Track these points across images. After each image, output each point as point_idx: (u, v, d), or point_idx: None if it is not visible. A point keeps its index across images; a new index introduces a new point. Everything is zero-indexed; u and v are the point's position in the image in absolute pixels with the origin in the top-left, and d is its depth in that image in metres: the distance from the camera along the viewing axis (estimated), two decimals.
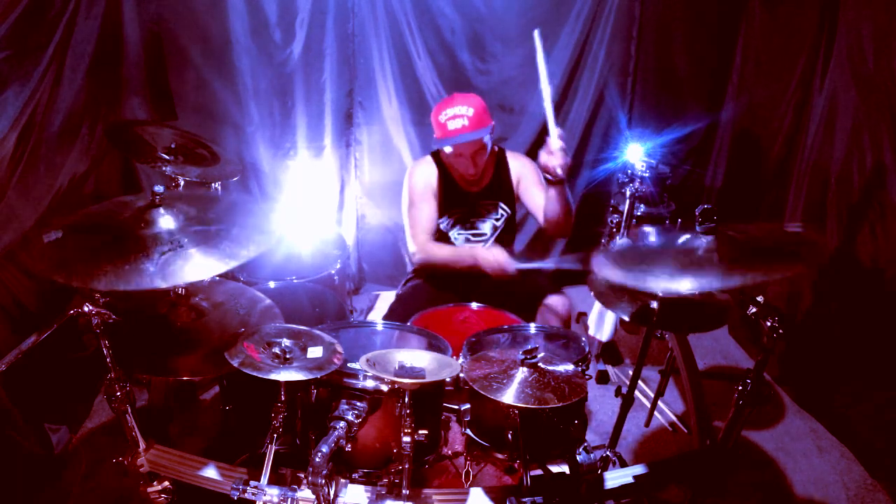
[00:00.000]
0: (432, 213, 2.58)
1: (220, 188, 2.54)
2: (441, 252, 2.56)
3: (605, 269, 1.45)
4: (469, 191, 2.59)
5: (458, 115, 2.34)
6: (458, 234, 2.63)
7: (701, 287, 1.26)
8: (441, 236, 2.64)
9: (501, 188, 2.60)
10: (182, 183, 2.35)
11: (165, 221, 1.46)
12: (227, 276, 2.35)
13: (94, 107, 2.85)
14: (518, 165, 2.63)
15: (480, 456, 1.74)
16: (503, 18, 3.43)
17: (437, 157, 2.60)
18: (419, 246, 2.57)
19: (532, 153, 3.67)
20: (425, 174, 2.59)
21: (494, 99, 3.59)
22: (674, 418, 2.86)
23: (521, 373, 1.51)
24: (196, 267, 1.35)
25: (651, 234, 2.72)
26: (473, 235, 2.62)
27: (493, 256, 2.39)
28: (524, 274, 2.43)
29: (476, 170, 2.46)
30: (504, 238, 2.64)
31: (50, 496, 2.32)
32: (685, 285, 1.28)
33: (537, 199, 2.55)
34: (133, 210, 1.49)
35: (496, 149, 2.62)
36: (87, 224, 1.50)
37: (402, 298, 2.62)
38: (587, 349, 1.87)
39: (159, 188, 1.49)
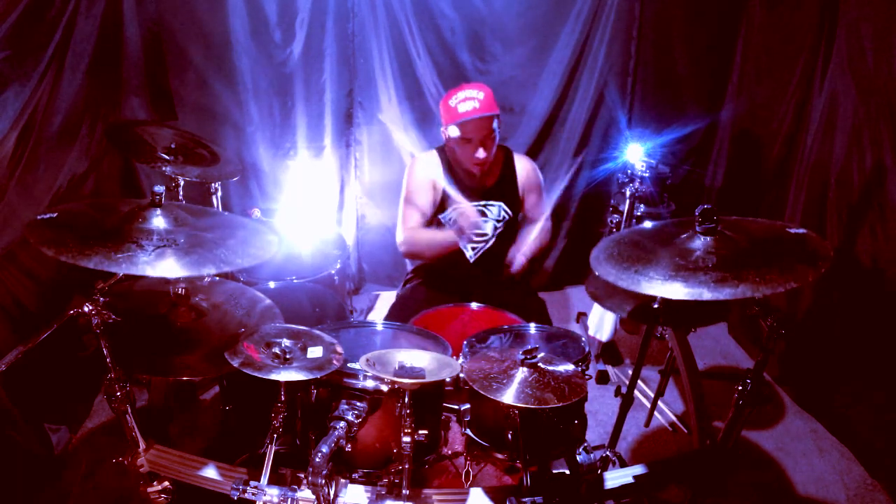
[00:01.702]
0: (427, 206, 2.55)
1: (219, 188, 2.54)
2: (425, 235, 2.52)
3: (601, 267, 1.44)
4: (473, 188, 2.58)
5: (469, 97, 2.36)
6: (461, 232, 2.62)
7: (694, 296, 1.26)
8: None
9: (507, 190, 2.59)
10: (182, 183, 2.35)
11: (162, 221, 1.46)
12: (227, 276, 2.36)
13: (94, 107, 2.85)
14: (524, 169, 2.62)
15: (480, 456, 1.74)
16: (503, 18, 3.44)
17: (443, 152, 2.59)
18: (406, 234, 2.54)
19: (532, 153, 3.70)
20: (428, 166, 2.57)
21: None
22: (674, 418, 2.86)
23: (521, 373, 1.51)
24: (188, 265, 1.35)
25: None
26: (475, 235, 2.61)
27: (467, 222, 2.33)
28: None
29: (485, 157, 2.42)
30: (505, 240, 2.63)
31: (50, 496, 2.32)
32: (679, 292, 1.28)
33: (530, 204, 2.68)
34: (133, 206, 1.49)
35: (503, 149, 2.62)
36: (87, 211, 1.50)
37: (402, 299, 2.62)
38: (587, 349, 1.87)
39: (159, 188, 1.49)
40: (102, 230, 1.40)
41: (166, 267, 1.33)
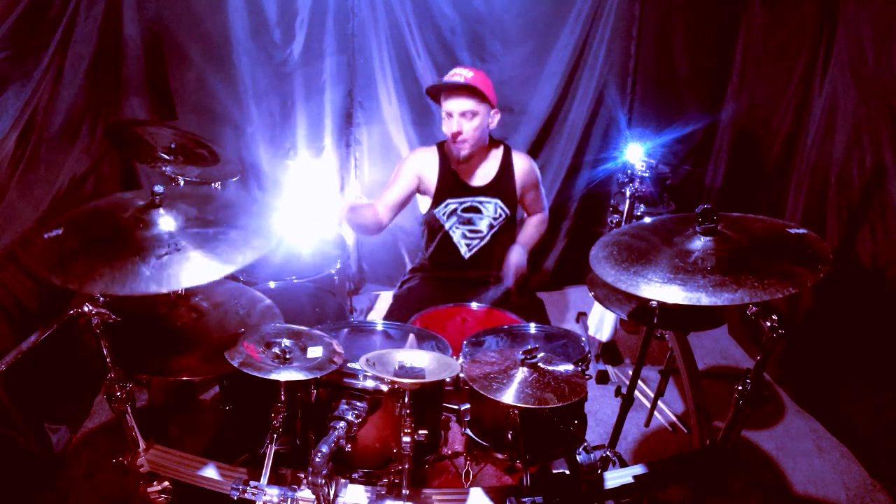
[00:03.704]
0: (401, 192, 2.60)
1: (219, 188, 2.53)
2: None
3: (600, 266, 1.44)
4: (469, 184, 2.58)
5: (458, 73, 2.41)
6: (456, 228, 2.62)
7: (693, 301, 1.26)
8: (437, 226, 2.63)
9: (504, 188, 2.59)
10: (182, 183, 2.35)
11: (165, 222, 1.46)
12: (227, 276, 2.35)
13: (94, 107, 2.85)
14: (522, 168, 2.62)
15: (480, 456, 1.74)
16: (503, 18, 3.43)
17: (442, 148, 2.60)
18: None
19: (532, 153, 3.70)
20: (421, 160, 2.60)
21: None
22: (674, 418, 2.86)
23: (521, 373, 1.51)
24: (193, 271, 1.36)
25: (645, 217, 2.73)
26: (470, 231, 2.61)
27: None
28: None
29: (457, 131, 2.41)
30: (502, 239, 2.63)
31: (50, 496, 2.32)
32: (677, 296, 1.28)
33: (530, 201, 2.72)
34: (133, 210, 1.49)
35: (503, 147, 2.62)
36: (87, 222, 1.50)
37: (399, 299, 2.62)
38: (587, 349, 1.87)
39: (159, 188, 1.49)
40: (107, 244, 1.40)
41: (171, 280, 1.33)
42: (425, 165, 2.59)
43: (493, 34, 3.47)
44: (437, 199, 2.59)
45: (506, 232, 2.64)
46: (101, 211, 1.55)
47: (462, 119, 2.41)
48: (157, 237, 1.42)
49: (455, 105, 2.40)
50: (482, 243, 2.62)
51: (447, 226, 2.61)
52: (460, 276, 2.63)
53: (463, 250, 2.62)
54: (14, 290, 2.41)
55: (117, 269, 1.32)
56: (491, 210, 2.59)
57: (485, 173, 2.58)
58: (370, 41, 3.39)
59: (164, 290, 1.32)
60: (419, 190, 2.64)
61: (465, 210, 2.60)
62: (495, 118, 2.49)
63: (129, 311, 1.54)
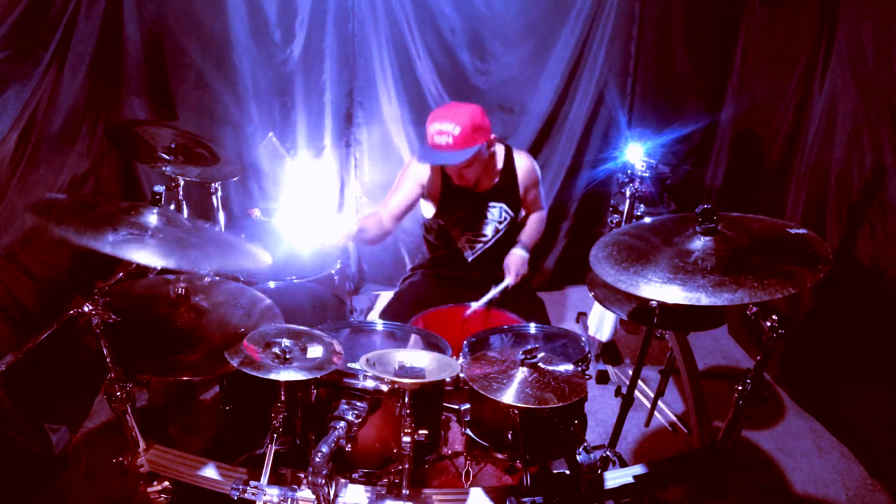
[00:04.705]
0: (405, 201, 2.54)
1: (219, 188, 2.53)
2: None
3: (600, 266, 1.44)
4: (472, 191, 2.57)
5: (443, 131, 2.25)
6: (460, 235, 2.61)
7: (692, 301, 1.26)
8: (444, 235, 2.63)
9: (507, 190, 2.58)
10: (182, 183, 2.35)
11: (153, 219, 1.46)
12: (227, 276, 2.35)
13: (94, 107, 2.85)
14: (524, 167, 2.60)
15: (480, 456, 1.74)
16: (503, 18, 3.44)
17: None
18: (371, 214, 2.56)
19: (532, 153, 3.68)
20: (422, 168, 2.55)
21: (494, 99, 3.59)
22: (674, 418, 2.86)
23: (521, 373, 1.51)
24: (150, 256, 1.34)
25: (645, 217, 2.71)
26: (474, 236, 2.61)
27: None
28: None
29: (464, 181, 2.43)
30: (506, 241, 2.62)
31: (50, 496, 2.32)
32: (677, 296, 1.28)
33: (531, 200, 2.68)
34: (129, 204, 1.49)
35: (504, 147, 2.60)
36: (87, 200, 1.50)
37: (400, 296, 2.62)
38: (587, 349, 1.87)
39: (159, 188, 1.50)
40: (90, 210, 1.39)
41: (125, 252, 1.31)
42: (427, 174, 2.56)
43: (493, 34, 3.46)
44: (441, 209, 2.56)
45: (510, 235, 2.63)
46: (102, 203, 1.54)
47: (463, 171, 2.39)
48: (137, 223, 1.41)
49: (451, 166, 2.38)
50: (486, 247, 2.61)
51: (451, 233, 2.61)
52: (462, 274, 2.63)
53: (466, 253, 2.62)
54: (14, 290, 2.41)
55: (85, 224, 1.30)
56: (496, 214, 2.58)
57: (488, 177, 2.56)
58: (370, 41, 3.39)
59: (113, 255, 1.28)
60: (422, 195, 2.62)
61: (469, 217, 2.58)
62: (492, 143, 2.44)
63: (129, 311, 1.54)
